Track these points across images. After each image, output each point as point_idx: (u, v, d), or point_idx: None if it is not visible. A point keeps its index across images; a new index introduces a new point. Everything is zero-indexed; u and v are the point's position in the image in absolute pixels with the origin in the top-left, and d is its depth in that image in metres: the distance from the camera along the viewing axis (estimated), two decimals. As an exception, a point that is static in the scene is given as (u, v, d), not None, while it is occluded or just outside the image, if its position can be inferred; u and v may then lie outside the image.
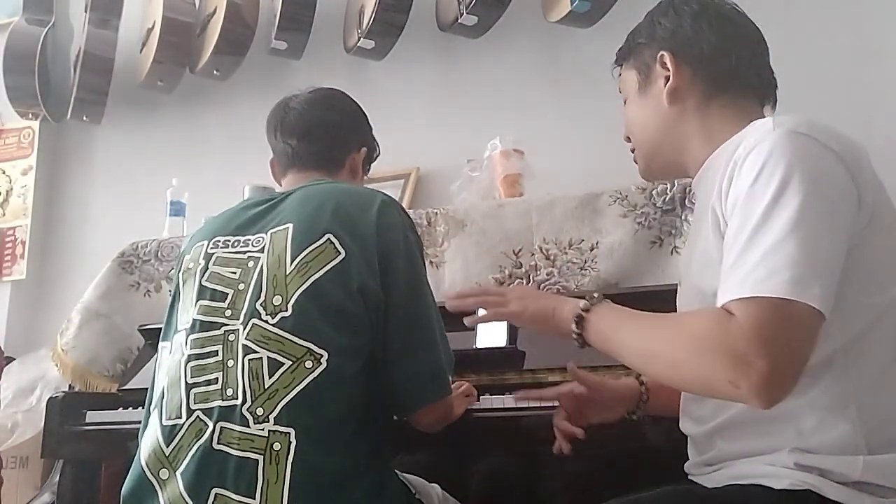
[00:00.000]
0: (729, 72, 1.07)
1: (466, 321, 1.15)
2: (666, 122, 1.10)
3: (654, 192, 1.76)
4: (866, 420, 0.87)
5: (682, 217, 1.74)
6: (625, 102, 1.19)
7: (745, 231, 0.86)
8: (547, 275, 1.82)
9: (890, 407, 0.88)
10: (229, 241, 1.23)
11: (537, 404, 1.35)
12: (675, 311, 1.14)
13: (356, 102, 1.47)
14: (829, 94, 2.01)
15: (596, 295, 1.01)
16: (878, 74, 2.03)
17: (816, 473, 0.86)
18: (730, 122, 1.05)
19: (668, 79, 1.09)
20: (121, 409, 1.74)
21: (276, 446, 1.04)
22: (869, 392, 0.87)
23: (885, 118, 1.97)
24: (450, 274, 1.89)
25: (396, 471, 1.22)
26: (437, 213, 1.95)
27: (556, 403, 1.25)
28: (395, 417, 1.26)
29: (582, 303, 1.00)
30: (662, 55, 1.09)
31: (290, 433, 1.05)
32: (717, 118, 1.07)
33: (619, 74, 1.20)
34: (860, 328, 0.89)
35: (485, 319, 1.12)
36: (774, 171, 0.86)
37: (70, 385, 2.11)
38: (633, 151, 1.19)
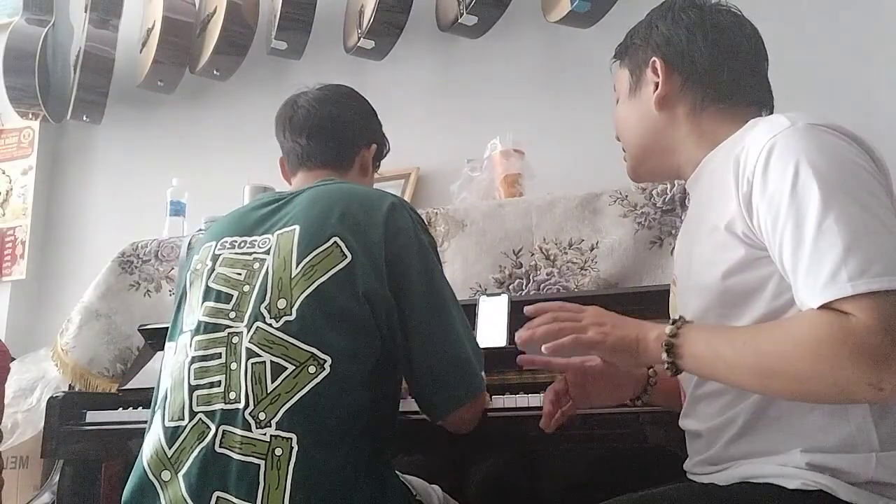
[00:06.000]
0: (721, 84, 1.07)
1: (543, 349, 1.00)
2: (655, 126, 1.10)
3: (654, 192, 1.77)
4: (876, 416, 0.86)
5: (682, 217, 1.74)
6: (617, 101, 1.19)
7: (807, 234, 0.83)
8: (547, 275, 1.82)
9: None
10: (236, 241, 1.22)
11: (538, 403, 1.34)
12: (670, 310, 1.14)
13: (365, 99, 1.47)
14: (828, 93, 2.01)
15: (678, 317, 0.93)
16: (879, 73, 2.03)
17: (829, 474, 0.85)
18: (725, 125, 1.05)
19: (657, 85, 1.09)
20: (121, 409, 1.74)
21: (278, 451, 1.04)
22: None
23: (884, 118, 1.97)
24: (450, 274, 1.88)
25: (397, 472, 1.22)
26: (437, 213, 1.96)
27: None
28: (406, 419, 1.25)
29: (668, 328, 0.92)
30: (654, 61, 1.09)
31: (291, 439, 1.04)
32: (709, 123, 1.06)
33: (615, 71, 1.20)
34: None
35: (560, 348, 0.98)
36: (812, 168, 0.85)
37: (70, 385, 2.10)
38: (624, 150, 1.19)
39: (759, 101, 1.10)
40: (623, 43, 1.18)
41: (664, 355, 0.91)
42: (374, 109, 1.47)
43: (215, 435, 1.06)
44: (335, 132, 1.38)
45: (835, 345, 0.78)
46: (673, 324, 0.92)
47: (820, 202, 0.82)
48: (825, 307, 0.80)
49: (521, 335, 1.02)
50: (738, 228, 0.92)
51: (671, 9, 1.11)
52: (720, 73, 1.07)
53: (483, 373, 1.23)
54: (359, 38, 2.40)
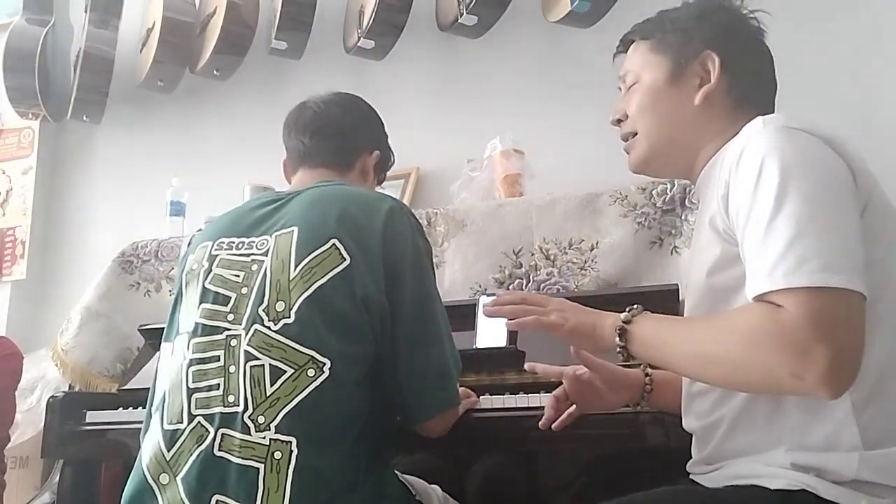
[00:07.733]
0: (760, 94, 1.09)
1: (507, 324, 1.09)
2: (690, 119, 1.09)
3: (654, 192, 1.77)
4: (858, 414, 0.87)
5: (682, 217, 1.74)
6: (629, 86, 1.15)
7: (759, 226, 0.86)
8: (547, 275, 1.82)
9: (885, 401, 0.88)
10: (234, 242, 1.21)
11: (538, 403, 1.35)
12: (677, 311, 1.14)
13: (373, 108, 1.47)
14: (828, 94, 2.01)
15: (636, 306, 0.99)
16: (878, 72, 2.03)
17: (813, 473, 0.86)
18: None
19: (703, 80, 1.08)
20: (121, 409, 1.74)
21: (277, 455, 1.03)
22: (864, 386, 0.86)
23: (884, 116, 1.97)
24: (450, 274, 1.89)
25: (396, 472, 1.22)
26: (437, 213, 1.96)
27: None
28: (398, 418, 1.25)
29: (623, 315, 0.99)
30: (710, 55, 1.07)
31: (291, 442, 1.04)
32: (734, 129, 1.04)
33: (625, 51, 1.18)
34: None
35: (522, 326, 1.07)
36: (774, 165, 0.87)
37: (70, 385, 2.11)
38: (625, 139, 1.16)
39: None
40: (654, 27, 1.14)
41: (617, 339, 0.98)
42: (381, 119, 1.48)
43: (214, 438, 1.05)
44: (338, 133, 1.38)
45: (764, 335, 0.82)
46: (629, 311, 0.99)
47: (774, 200, 0.85)
48: (762, 299, 0.84)
49: (488, 308, 1.10)
50: (718, 226, 0.96)
51: (725, 9, 1.11)
52: (765, 82, 1.10)
53: (458, 385, 1.25)
54: (359, 38, 2.40)
